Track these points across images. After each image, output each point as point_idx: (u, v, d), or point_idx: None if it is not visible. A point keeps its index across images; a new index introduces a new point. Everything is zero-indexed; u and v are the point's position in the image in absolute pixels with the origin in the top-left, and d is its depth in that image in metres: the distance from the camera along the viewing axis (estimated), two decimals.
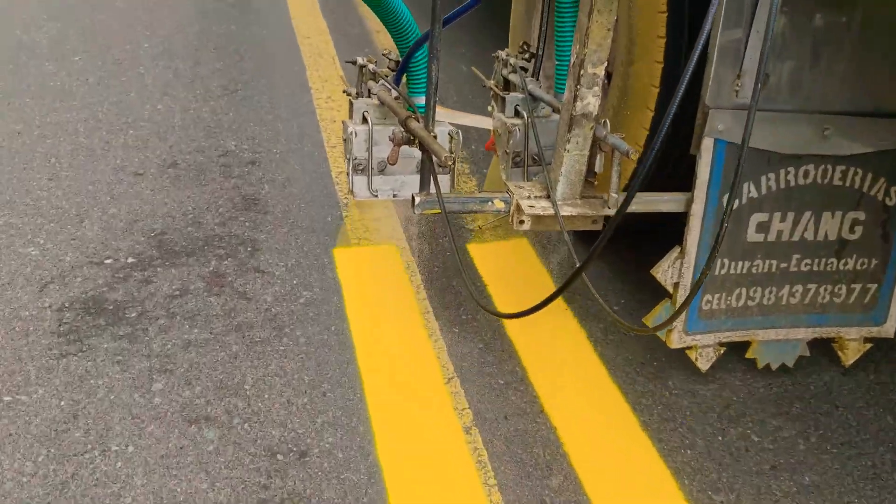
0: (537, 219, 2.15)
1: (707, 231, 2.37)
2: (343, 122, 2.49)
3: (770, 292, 2.47)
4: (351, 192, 2.48)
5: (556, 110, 2.46)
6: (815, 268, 2.47)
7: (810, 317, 2.51)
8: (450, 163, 1.86)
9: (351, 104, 2.47)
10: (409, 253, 3.16)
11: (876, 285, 2.50)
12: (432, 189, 2.20)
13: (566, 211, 2.17)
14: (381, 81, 2.49)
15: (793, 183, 2.37)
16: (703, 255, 2.38)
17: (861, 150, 2.35)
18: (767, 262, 2.44)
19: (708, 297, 2.43)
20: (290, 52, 5.34)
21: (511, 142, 2.49)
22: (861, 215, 2.44)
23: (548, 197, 2.23)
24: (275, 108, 4.38)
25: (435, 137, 2.10)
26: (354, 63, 2.68)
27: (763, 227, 2.40)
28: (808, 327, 2.52)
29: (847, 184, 2.40)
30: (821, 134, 2.34)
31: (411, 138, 2.18)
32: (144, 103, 4.46)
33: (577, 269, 1.87)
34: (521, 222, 2.23)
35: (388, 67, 2.65)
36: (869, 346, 2.58)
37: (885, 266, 2.49)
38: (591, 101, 2.10)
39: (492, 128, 2.62)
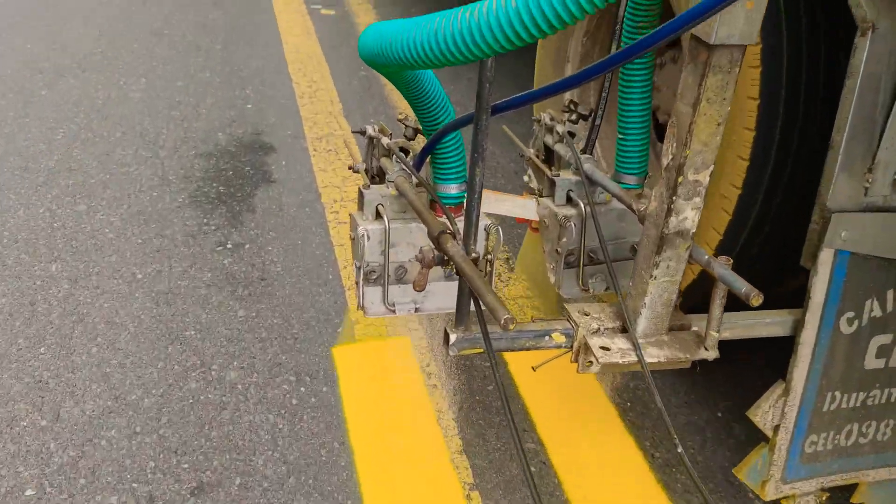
0: (612, 363, 1.63)
1: (819, 361, 1.86)
2: (351, 216, 1.95)
3: (886, 426, 1.98)
4: (361, 307, 1.95)
5: (618, 198, 1.93)
6: None
7: None
8: (511, 326, 1.34)
9: (361, 194, 1.93)
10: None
11: None
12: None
13: (652, 356, 1.65)
14: (397, 165, 1.95)
15: None
16: (811, 390, 1.88)
17: None
18: (887, 390, 1.94)
19: (813, 437, 1.94)
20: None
21: (564, 239, 1.96)
22: None
23: (624, 331, 1.71)
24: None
25: (476, 261, 1.56)
26: (363, 133, 2.13)
27: (885, 352, 1.90)
28: None
29: None
30: None
31: (444, 258, 1.65)
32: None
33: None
34: (590, 364, 1.71)
35: (405, 136, 2.10)
36: None
37: None
38: (689, 215, 1.58)
39: (537, 216, 2.08)
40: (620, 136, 2.00)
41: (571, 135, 2.12)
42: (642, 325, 1.67)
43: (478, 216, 1.60)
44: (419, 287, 1.68)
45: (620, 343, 1.67)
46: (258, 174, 3.76)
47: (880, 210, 1.77)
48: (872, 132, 1.70)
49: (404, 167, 1.94)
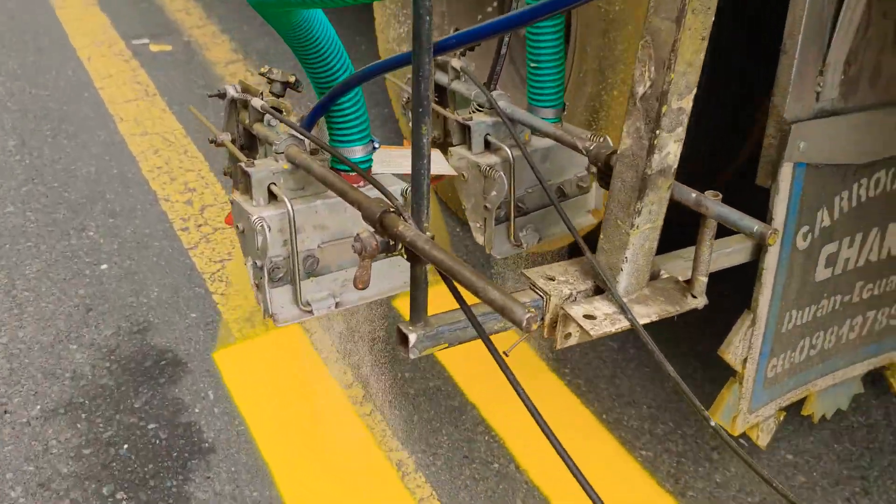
0: (603, 333, 1.40)
1: (779, 283, 1.74)
2: (234, 202, 1.54)
3: (832, 333, 1.92)
4: (268, 314, 1.56)
5: (553, 137, 1.68)
6: (876, 291, 1.94)
7: (867, 349, 2.01)
8: (534, 326, 1.05)
9: (245, 174, 1.51)
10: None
11: None
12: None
13: (641, 315, 1.43)
14: (275, 130, 1.56)
15: (864, 198, 1.80)
16: (773, 314, 1.77)
17: None
18: (833, 299, 1.87)
19: (774, 361, 1.84)
20: None
21: (494, 192, 1.67)
22: None
23: (599, 291, 1.48)
24: None
25: (433, 237, 1.25)
26: (222, 96, 1.69)
27: (832, 260, 1.82)
28: (865, 361, 2.02)
29: None
30: (894, 129, 1.76)
31: (390, 243, 1.32)
32: None
33: None
34: (569, 336, 1.47)
35: (273, 93, 1.70)
36: None
37: None
38: (672, 150, 1.35)
39: (450, 171, 1.77)
40: (533, 66, 1.73)
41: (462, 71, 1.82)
42: (624, 282, 1.44)
43: (428, 185, 1.27)
44: (363, 283, 1.34)
45: (604, 308, 1.44)
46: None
47: (830, 115, 1.65)
48: (823, 33, 1.56)
49: (294, 133, 1.55)
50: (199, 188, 2.98)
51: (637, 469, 1.98)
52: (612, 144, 1.52)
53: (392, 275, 1.67)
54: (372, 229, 1.31)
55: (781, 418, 1.96)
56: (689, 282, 1.48)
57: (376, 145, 1.62)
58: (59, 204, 2.86)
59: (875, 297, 1.95)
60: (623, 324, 1.41)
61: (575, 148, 1.57)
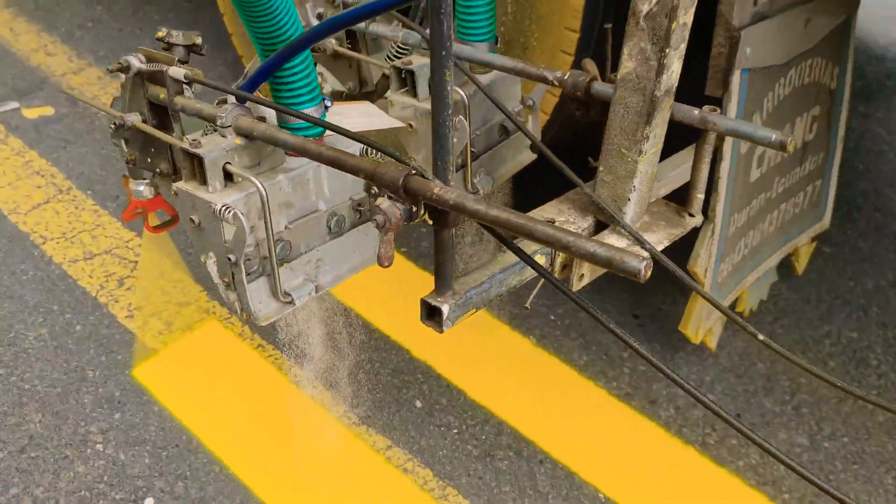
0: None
1: (729, 189, 1.78)
2: (183, 192, 1.28)
3: (759, 230, 2.01)
4: (248, 314, 1.34)
5: (513, 72, 1.58)
6: (787, 183, 2.05)
7: (780, 239, 2.13)
8: (648, 273, 0.96)
9: (195, 157, 1.25)
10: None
11: (821, 181, 2.19)
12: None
13: (655, 242, 1.39)
14: (199, 103, 1.32)
15: (781, 96, 1.87)
16: (725, 221, 1.81)
17: (825, 30, 1.92)
18: (760, 197, 1.95)
19: (722, 265, 1.89)
20: None
21: (456, 139, 1.54)
22: (817, 110, 2.05)
23: (601, 225, 1.42)
24: None
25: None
26: (125, 70, 1.39)
27: (761, 160, 1.89)
28: (779, 250, 2.14)
29: (811, 79, 1.97)
30: (803, 27, 1.84)
31: (413, 210, 1.16)
32: None
33: None
34: (582, 277, 1.41)
35: (180, 60, 1.44)
36: (814, 244, 2.31)
37: (827, 157, 2.18)
38: (675, 67, 1.30)
39: (392, 123, 1.60)
40: None
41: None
42: (631, 212, 1.39)
43: (451, 139, 1.13)
44: (389, 260, 1.18)
45: (613, 240, 1.38)
46: None
47: (762, 18, 1.67)
48: None
49: (237, 102, 1.32)
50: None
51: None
52: (590, 71, 1.44)
53: (363, 247, 1.51)
54: (388, 196, 1.15)
55: (724, 320, 2.04)
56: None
57: (328, 104, 1.43)
58: None
59: (786, 189, 2.06)
60: (642, 254, 1.36)
61: (543, 80, 1.47)
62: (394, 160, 1.17)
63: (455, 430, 1.87)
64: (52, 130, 2.81)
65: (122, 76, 1.44)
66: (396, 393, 1.95)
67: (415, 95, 1.60)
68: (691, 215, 1.45)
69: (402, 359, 2.04)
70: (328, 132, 1.43)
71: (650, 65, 1.26)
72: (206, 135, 1.48)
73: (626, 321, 2.15)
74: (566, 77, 1.44)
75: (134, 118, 1.45)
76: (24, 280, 2.20)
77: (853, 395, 1.42)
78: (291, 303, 1.39)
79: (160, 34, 1.48)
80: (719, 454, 1.85)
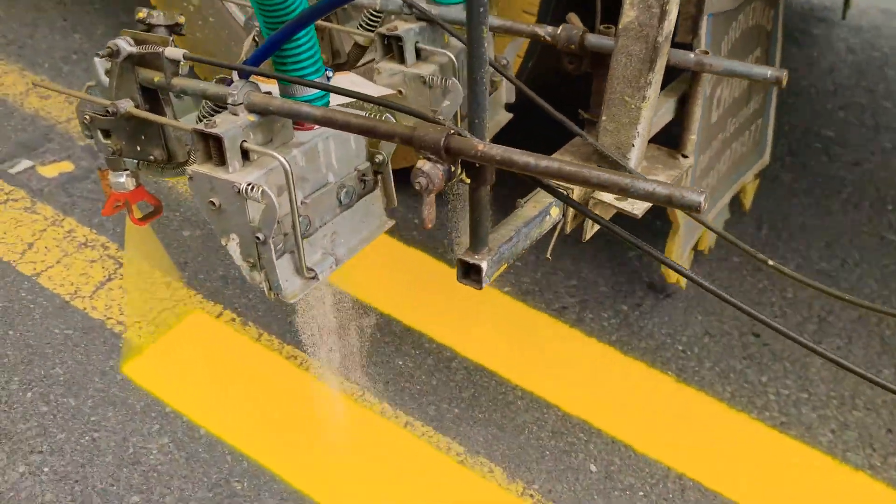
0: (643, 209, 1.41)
1: (699, 131, 1.86)
2: (200, 175, 1.23)
3: (716, 171, 2.12)
4: (277, 294, 1.32)
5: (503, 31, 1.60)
6: (737, 123, 2.17)
7: (732, 178, 2.25)
8: (707, 203, 1.01)
9: (212, 138, 1.21)
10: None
11: (761, 119, 2.32)
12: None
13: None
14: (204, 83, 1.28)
15: (734, 38, 1.97)
16: (696, 164, 1.89)
17: None
18: (718, 137, 2.06)
19: None
20: None
21: (447, 102, 1.55)
22: (759, 51, 2.17)
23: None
24: None
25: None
26: (113, 55, 1.33)
27: (719, 102, 1.99)
28: (731, 188, 2.26)
29: (755, 22, 2.08)
30: None
31: (455, 171, 1.17)
32: None
33: None
34: (593, 225, 1.46)
35: (175, 40, 1.39)
36: (758, 181, 2.44)
37: (766, 96, 2.31)
38: (673, 13, 1.35)
39: (381, 91, 1.59)
40: None
41: None
42: (634, 157, 1.45)
43: (488, 96, 1.16)
44: (432, 222, 1.19)
45: None
46: None
47: None
48: None
49: (246, 79, 1.30)
50: None
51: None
52: (576, 24, 1.48)
53: (369, 218, 1.51)
54: (430, 158, 1.16)
55: (690, 259, 2.14)
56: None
57: (330, 75, 1.41)
58: None
59: (737, 129, 2.17)
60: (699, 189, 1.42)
61: (535, 36, 1.51)
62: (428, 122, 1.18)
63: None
64: (82, 190, 2.42)
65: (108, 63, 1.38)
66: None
67: (402, 61, 1.59)
68: (685, 156, 1.52)
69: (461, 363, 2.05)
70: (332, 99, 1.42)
71: (653, 12, 1.31)
72: (203, 117, 1.45)
73: (748, 341, 2.06)
74: (559, 31, 1.48)
75: (127, 105, 1.39)
76: (119, 380, 1.90)
77: None
78: (315, 278, 1.38)
79: (140, 15, 1.43)
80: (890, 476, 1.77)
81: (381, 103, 1.23)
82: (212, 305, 2.09)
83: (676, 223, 1.90)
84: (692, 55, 1.41)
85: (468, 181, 1.20)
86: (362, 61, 1.87)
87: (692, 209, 1.01)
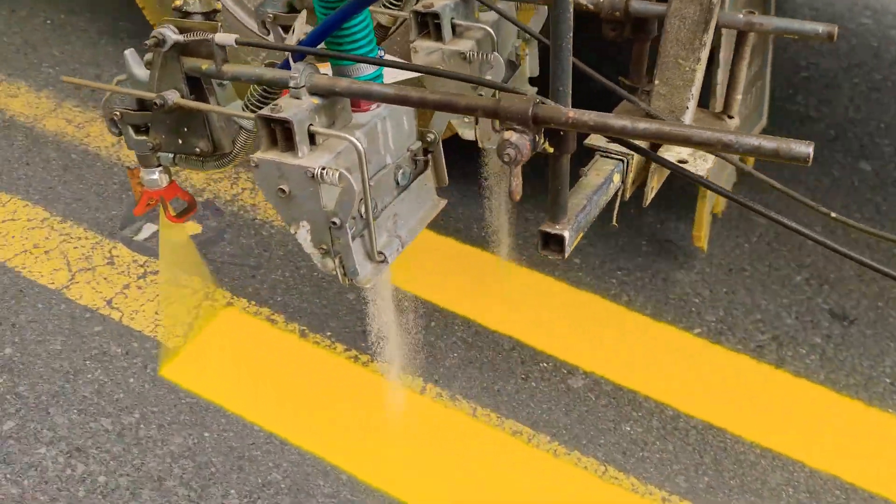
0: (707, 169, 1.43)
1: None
2: (266, 161, 1.18)
3: None
4: (352, 279, 1.28)
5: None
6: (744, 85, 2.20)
7: None
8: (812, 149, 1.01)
9: (278, 123, 1.16)
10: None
11: (761, 81, 2.36)
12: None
13: None
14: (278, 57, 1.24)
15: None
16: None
17: None
18: None
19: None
20: None
21: (490, 76, 1.53)
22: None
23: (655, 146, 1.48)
24: None
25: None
26: (159, 44, 1.27)
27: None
28: None
29: None
30: None
31: (536, 140, 1.15)
32: None
33: None
34: (653, 189, 1.47)
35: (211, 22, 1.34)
36: None
37: (763, 59, 2.35)
38: None
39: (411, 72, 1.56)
40: None
41: None
42: (688, 119, 1.45)
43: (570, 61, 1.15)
44: (519, 193, 1.18)
45: (678, 147, 1.44)
46: None
47: None
48: None
49: (302, 63, 1.26)
50: None
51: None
52: None
53: (423, 197, 1.49)
54: (515, 129, 1.15)
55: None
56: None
57: (382, 53, 1.39)
58: None
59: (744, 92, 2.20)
60: (712, 157, 1.43)
61: (578, 5, 1.50)
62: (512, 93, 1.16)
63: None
64: (221, 254, 2.12)
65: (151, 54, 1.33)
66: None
67: (439, 38, 1.57)
68: (730, 117, 1.53)
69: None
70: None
71: None
72: (257, 103, 1.41)
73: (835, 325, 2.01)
74: (602, 0, 1.47)
75: (174, 96, 1.34)
76: None
77: None
78: (385, 261, 1.35)
79: (177, 3, 1.38)
80: None
81: (463, 78, 1.21)
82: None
83: (703, 191, 1.93)
84: (741, 15, 1.42)
85: (551, 150, 1.19)
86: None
87: (800, 161, 1.02)
